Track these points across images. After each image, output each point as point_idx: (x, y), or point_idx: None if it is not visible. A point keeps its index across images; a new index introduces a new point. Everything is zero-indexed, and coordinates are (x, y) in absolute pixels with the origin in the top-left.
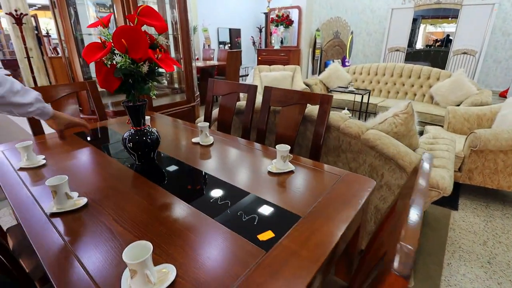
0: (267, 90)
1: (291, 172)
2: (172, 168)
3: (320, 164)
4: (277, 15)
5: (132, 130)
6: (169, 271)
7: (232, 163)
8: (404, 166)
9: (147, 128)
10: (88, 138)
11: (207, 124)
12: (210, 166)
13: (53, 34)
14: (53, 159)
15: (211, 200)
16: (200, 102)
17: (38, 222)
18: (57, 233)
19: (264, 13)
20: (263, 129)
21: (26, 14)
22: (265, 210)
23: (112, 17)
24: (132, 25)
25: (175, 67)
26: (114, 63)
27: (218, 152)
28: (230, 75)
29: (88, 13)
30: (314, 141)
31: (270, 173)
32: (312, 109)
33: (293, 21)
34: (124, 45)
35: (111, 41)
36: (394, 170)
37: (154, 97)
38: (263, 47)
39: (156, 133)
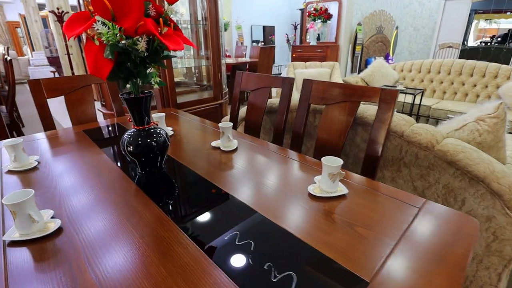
0: (307, 83)
1: (343, 197)
2: (183, 181)
3: (383, 187)
4: (314, 9)
5: (133, 129)
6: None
7: (259, 179)
8: (501, 191)
9: (153, 127)
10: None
11: (230, 124)
12: (229, 182)
13: None
14: (47, 161)
15: (225, 238)
16: (229, 100)
17: None
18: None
19: (300, 9)
20: (299, 133)
21: (67, 12)
22: (307, 260)
23: None
24: None
25: (204, 61)
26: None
27: (242, 162)
28: (262, 72)
29: None
30: (370, 151)
31: (311, 196)
32: (364, 109)
33: (331, 15)
34: (108, 7)
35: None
36: (483, 195)
37: (156, 86)
38: (297, 44)
39: (164, 135)
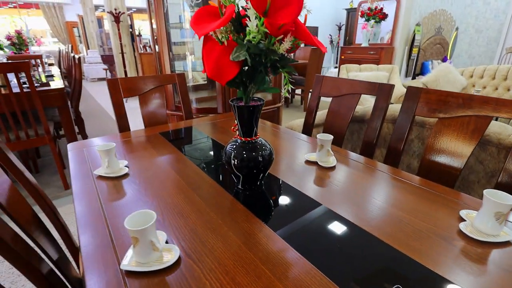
0: (413, 92)
1: (507, 244)
2: (288, 199)
3: None
4: (369, 8)
5: (238, 141)
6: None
7: (374, 203)
8: None
9: (259, 140)
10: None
11: (331, 137)
12: (340, 204)
13: (144, 34)
14: (135, 166)
15: (362, 278)
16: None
17: (108, 275)
18: None
19: (346, 9)
20: (398, 149)
21: (123, 13)
22: None
23: None
24: None
25: None
26: (231, 37)
27: (347, 181)
28: (311, 75)
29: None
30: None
31: (466, 237)
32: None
33: (387, 14)
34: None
35: (237, 4)
36: None
37: (287, 95)
38: (341, 45)
39: (270, 148)
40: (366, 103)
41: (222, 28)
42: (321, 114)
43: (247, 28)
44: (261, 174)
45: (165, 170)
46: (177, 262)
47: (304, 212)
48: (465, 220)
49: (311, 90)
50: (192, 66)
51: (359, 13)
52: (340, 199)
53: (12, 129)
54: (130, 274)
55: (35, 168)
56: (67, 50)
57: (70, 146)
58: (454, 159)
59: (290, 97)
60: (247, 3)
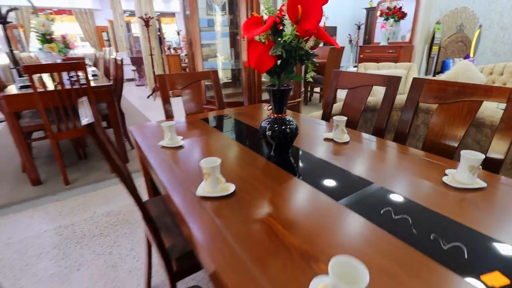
0: (418, 82)
1: (481, 189)
2: (311, 164)
3: None
4: (388, 8)
5: (271, 117)
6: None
7: (384, 166)
8: None
9: (287, 117)
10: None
11: (344, 119)
12: (358, 167)
13: (167, 37)
14: (187, 141)
15: (381, 212)
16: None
17: (189, 201)
18: (207, 214)
19: (366, 8)
20: (404, 132)
21: (152, 17)
22: (471, 240)
23: None
24: None
25: None
26: (269, 39)
27: (361, 152)
28: (329, 74)
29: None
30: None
31: (445, 185)
32: (480, 110)
33: (406, 13)
34: (299, 12)
35: (275, 15)
36: None
37: (310, 79)
38: (360, 44)
39: (295, 123)
40: (379, 96)
41: (265, 33)
42: (337, 106)
43: (283, 32)
44: (289, 143)
45: (210, 143)
46: (234, 193)
47: (322, 167)
48: (447, 175)
49: None
50: (222, 65)
51: (378, 13)
52: (351, 161)
53: (71, 119)
54: (202, 198)
55: (84, 155)
56: (104, 54)
57: (132, 128)
58: (451, 138)
59: (309, 95)
60: (283, 15)
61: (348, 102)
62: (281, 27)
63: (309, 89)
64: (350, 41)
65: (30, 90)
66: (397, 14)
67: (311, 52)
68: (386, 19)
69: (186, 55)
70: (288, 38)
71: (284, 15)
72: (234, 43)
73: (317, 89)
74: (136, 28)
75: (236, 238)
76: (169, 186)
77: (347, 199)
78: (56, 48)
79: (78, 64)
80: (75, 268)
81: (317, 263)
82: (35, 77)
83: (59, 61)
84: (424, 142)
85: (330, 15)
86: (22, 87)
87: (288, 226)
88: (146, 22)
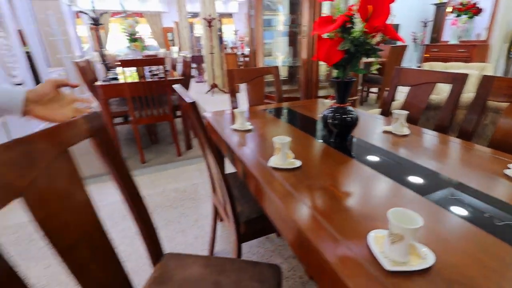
0: (487, 80)
1: None
2: (369, 150)
3: None
4: (460, 3)
5: (334, 107)
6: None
7: (447, 159)
8: None
9: (348, 107)
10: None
11: (406, 112)
12: (418, 157)
13: (224, 36)
14: (256, 126)
15: (438, 192)
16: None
17: (264, 171)
18: (278, 181)
19: (435, 4)
20: (468, 131)
21: (214, 18)
22: None
23: None
24: None
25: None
26: (339, 36)
27: (421, 144)
28: (389, 73)
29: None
30: None
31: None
32: None
33: (481, 9)
34: (369, 11)
35: (344, 14)
36: None
37: (375, 71)
38: (426, 43)
39: (355, 113)
40: (444, 94)
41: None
42: (396, 104)
43: (353, 29)
44: (349, 131)
45: (274, 129)
46: (299, 167)
47: (379, 153)
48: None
49: (387, 89)
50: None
51: (449, 9)
52: (410, 151)
53: (150, 107)
54: (273, 169)
55: (156, 139)
56: (171, 52)
57: (207, 114)
58: None
59: (365, 95)
60: (352, 13)
61: (410, 99)
62: (349, 25)
63: (365, 89)
64: (415, 39)
65: (116, 82)
66: (471, 10)
67: (376, 48)
68: (458, 16)
69: (242, 54)
70: (357, 34)
71: (354, 14)
72: (293, 41)
73: (373, 89)
74: (197, 29)
75: (304, 199)
76: (246, 160)
77: (406, 181)
78: (140, 46)
79: (159, 60)
80: None
81: (373, 221)
82: (119, 70)
83: (139, 57)
84: (491, 141)
85: (394, 12)
86: (111, 79)
87: (348, 195)
88: (209, 23)
